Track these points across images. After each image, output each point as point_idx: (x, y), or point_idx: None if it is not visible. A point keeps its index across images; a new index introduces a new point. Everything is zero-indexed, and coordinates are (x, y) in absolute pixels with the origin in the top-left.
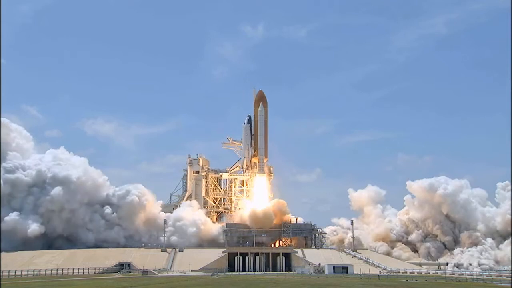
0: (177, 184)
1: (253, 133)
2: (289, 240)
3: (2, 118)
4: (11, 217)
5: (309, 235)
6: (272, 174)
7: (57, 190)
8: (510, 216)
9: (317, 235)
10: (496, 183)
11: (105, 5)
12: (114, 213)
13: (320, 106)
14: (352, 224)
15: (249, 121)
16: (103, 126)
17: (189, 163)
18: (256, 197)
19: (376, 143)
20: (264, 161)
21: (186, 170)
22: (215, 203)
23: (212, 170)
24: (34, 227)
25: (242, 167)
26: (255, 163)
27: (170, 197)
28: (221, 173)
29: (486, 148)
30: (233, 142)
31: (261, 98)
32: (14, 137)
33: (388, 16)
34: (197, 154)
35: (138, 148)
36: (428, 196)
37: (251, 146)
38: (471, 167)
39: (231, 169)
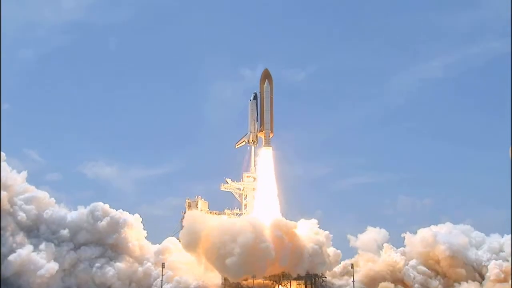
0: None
1: (259, 108)
2: (288, 284)
3: None
4: None
5: (309, 280)
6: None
7: None
8: None
9: (317, 279)
10: None
11: (104, 49)
12: None
13: (318, 148)
14: (352, 268)
15: (255, 97)
16: (104, 169)
17: (188, 206)
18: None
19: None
20: (270, 136)
21: (185, 213)
22: None
23: (211, 212)
24: None
25: (249, 141)
26: (260, 137)
27: None
28: (220, 215)
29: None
30: (231, 183)
31: (266, 76)
32: None
33: (386, 60)
34: (195, 196)
35: (138, 190)
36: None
37: (257, 121)
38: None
39: (237, 143)
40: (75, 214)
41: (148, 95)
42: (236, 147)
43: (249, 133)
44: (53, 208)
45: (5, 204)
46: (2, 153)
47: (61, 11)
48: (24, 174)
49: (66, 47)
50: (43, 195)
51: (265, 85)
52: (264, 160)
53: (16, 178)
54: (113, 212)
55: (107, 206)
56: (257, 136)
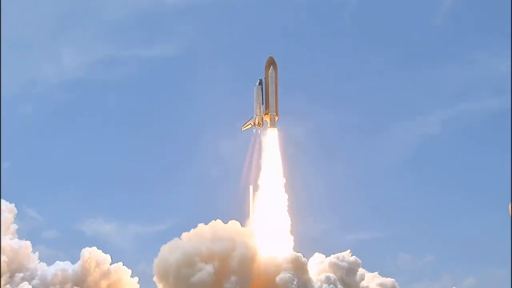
0: None
1: (264, 93)
2: None
3: None
4: None
5: None
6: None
7: None
8: None
9: None
10: None
11: (104, 106)
12: None
13: (317, 205)
14: None
15: (260, 83)
16: (103, 226)
17: None
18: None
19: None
20: (276, 119)
21: None
22: None
23: None
24: None
25: (255, 124)
26: (266, 121)
27: None
28: None
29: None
30: None
31: (271, 63)
32: None
33: (382, 115)
34: None
35: (137, 247)
36: None
37: (262, 104)
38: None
39: (244, 126)
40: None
41: (147, 152)
42: (242, 129)
43: (254, 115)
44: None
45: None
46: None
47: (62, 68)
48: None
49: (66, 104)
50: None
51: (270, 70)
52: (270, 142)
53: None
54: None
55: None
56: (262, 118)
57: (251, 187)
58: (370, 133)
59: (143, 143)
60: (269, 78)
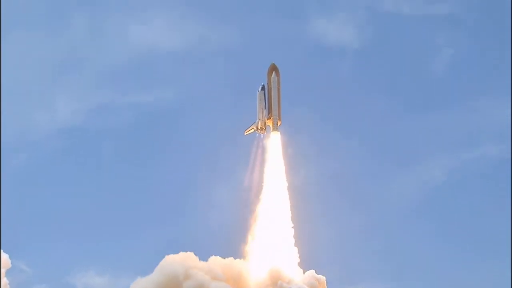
0: None
1: (266, 98)
2: None
3: None
4: None
5: None
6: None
7: None
8: None
9: None
10: None
11: (98, 155)
12: None
13: (320, 257)
14: None
15: (262, 88)
16: (94, 279)
17: None
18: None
19: None
20: (278, 123)
21: None
22: None
23: None
24: None
25: (257, 128)
26: (269, 125)
27: None
28: None
29: None
30: None
31: (273, 69)
32: None
33: (385, 164)
34: None
35: None
36: None
37: (265, 108)
38: None
39: (246, 131)
40: None
41: (144, 203)
42: (245, 134)
43: (257, 120)
44: None
45: None
46: None
47: (57, 117)
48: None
49: (60, 152)
50: None
51: (272, 76)
52: (272, 146)
53: None
54: None
55: None
56: (265, 123)
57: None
58: (371, 181)
59: (140, 193)
60: (272, 83)
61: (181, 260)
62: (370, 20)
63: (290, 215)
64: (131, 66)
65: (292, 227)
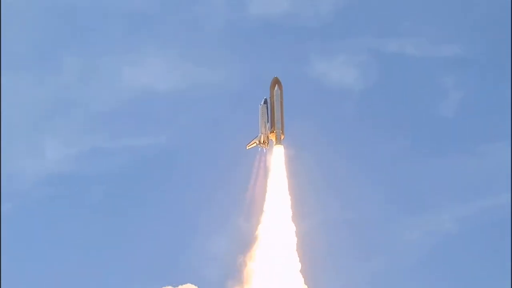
0: None
1: (269, 111)
2: None
3: None
4: None
5: None
6: None
7: None
8: None
9: None
10: None
11: (88, 201)
12: None
13: None
14: None
15: (265, 102)
16: None
17: None
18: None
19: None
20: (281, 137)
21: None
22: None
23: None
24: None
25: (260, 142)
26: (271, 139)
27: None
28: None
29: None
30: None
31: (276, 82)
32: None
33: (392, 211)
34: None
35: None
36: None
37: (267, 122)
38: None
39: (248, 145)
40: None
41: (137, 253)
42: (247, 148)
43: (260, 134)
44: None
45: None
46: None
47: (45, 162)
48: None
49: (49, 201)
50: None
51: (275, 89)
52: (275, 159)
53: None
54: None
55: None
56: (268, 137)
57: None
58: (377, 229)
59: (132, 242)
60: (275, 96)
61: None
62: (374, 61)
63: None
64: (124, 108)
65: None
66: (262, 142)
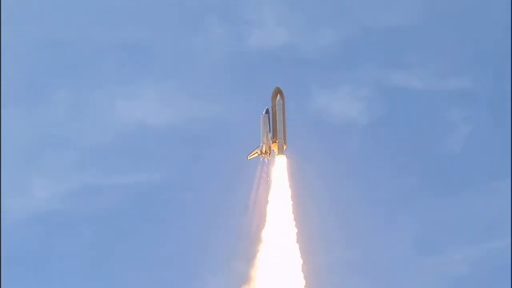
0: None
1: (271, 121)
2: None
3: None
4: None
5: None
6: None
7: None
8: None
9: None
10: None
11: (78, 241)
12: None
13: None
14: None
15: (267, 112)
16: None
17: None
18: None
19: None
20: (284, 148)
21: None
22: None
23: None
24: None
25: (261, 152)
26: (273, 150)
27: None
28: None
29: None
30: None
31: (278, 92)
32: None
33: (401, 251)
34: None
35: None
36: None
37: (269, 131)
38: None
39: (250, 155)
40: None
41: None
42: (248, 158)
43: (261, 144)
44: None
45: None
46: None
47: (33, 201)
48: None
49: (37, 241)
50: None
51: (277, 98)
52: (278, 170)
53: None
54: None
55: None
56: (270, 147)
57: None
58: (385, 271)
59: (125, 285)
60: (277, 106)
61: None
62: (379, 94)
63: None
64: (116, 144)
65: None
66: (264, 152)
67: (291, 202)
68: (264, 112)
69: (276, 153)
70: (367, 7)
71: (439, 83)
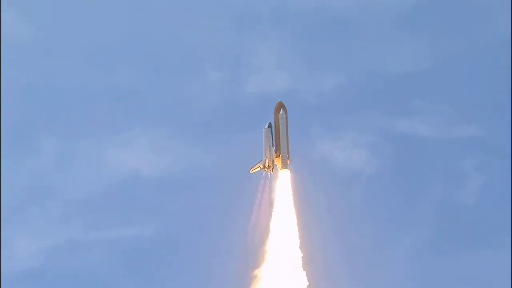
0: None
1: (274, 135)
2: None
3: None
4: None
5: None
6: None
7: None
8: None
9: None
10: None
11: None
12: None
13: None
14: None
15: (269, 126)
16: None
17: None
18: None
19: None
20: (287, 162)
21: None
22: None
23: None
24: None
25: (264, 167)
26: (276, 164)
27: None
28: None
29: None
30: None
31: (281, 106)
32: None
33: None
34: None
35: None
36: None
37: (272, 146)
38: None
39: (252, 169)
40: None
41: None
42: (251, 172)
43: (264, 158)
44: None
45: None
46: None
47: (14, 258)
48: None
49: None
50: None
51: (280, 113)
52: (282, 184)
53: None
54: None
55: None
56: (273, 161)
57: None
58: None
59: None
60: (280, 120)
61: None
62: (384, 142)
63: None
64: (105, 196)
65: None
66: (267, 166)
67: (296, 221)
68: (266, 126)
69: (280, 167)
70: (371, 51)
71: (447, 130)
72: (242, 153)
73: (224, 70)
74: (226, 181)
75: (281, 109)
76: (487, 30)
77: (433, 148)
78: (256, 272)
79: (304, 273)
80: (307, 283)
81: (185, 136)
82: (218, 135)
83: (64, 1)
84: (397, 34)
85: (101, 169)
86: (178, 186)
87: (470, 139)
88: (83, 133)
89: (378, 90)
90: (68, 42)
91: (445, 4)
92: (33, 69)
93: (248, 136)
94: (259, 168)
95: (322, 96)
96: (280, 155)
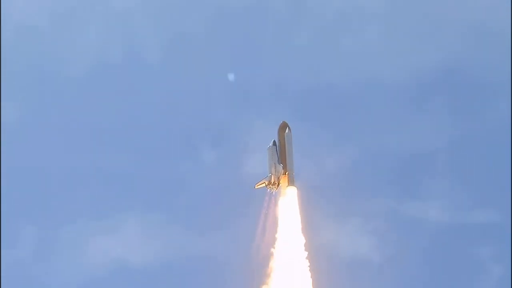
0: None
1: (279, 153)
2: None
3: None
4: None
5: None
6: None
7: None
8: None
9: None
10: None
11: None
12: None
13: None
14: None
15: (274, 144)
16: None
17: None
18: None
19: None
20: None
21: None
22: None
23: None
24: None
25: (269, 183)
26: (281, 182)
27: None
28: None
29: None
30: None
31: (285, 126)
32: None
33: None
34: None
35: None
36: None
37: (278, 163)
38: None
39: (257, 184)
40: None
41: None
42: (256, 187)
43: (269, 174)
44: None
45: None
46: None
47: None
48: None
49: None
50: None
51: (286, 131)
52: (288, 201)
53: None
54: None
55: None
56: (279, 178)
57: None
58: None
59: None
60: (286, 138)
61: None
62: (392, 227)
63: None
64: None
65: None
66: (272, 183)
67: (304, 241)
68: (271, 144)
69: (286, 185)
70: (376, 130)
71: (461, 215)
72: (240, 239)
73: (220, 150)
74: (224, 269)
75: (286, 128)
76: (503, 107)
77: (445, 234)
78: None
79: None
80: None
81: (178, 222)
82: (214, 220)
83: (49, 80)
84: (404, 112)
85: (83, 258)
86: (170, 276)
87: (485, 225)
88: (65, 219)
89: (385, 172)
90: (50, 120)
91: (457, 80)
92: (13, 149)
93: (246, 221)
94: (264, 184)
95: (324, 178)
96: (287, 173)
